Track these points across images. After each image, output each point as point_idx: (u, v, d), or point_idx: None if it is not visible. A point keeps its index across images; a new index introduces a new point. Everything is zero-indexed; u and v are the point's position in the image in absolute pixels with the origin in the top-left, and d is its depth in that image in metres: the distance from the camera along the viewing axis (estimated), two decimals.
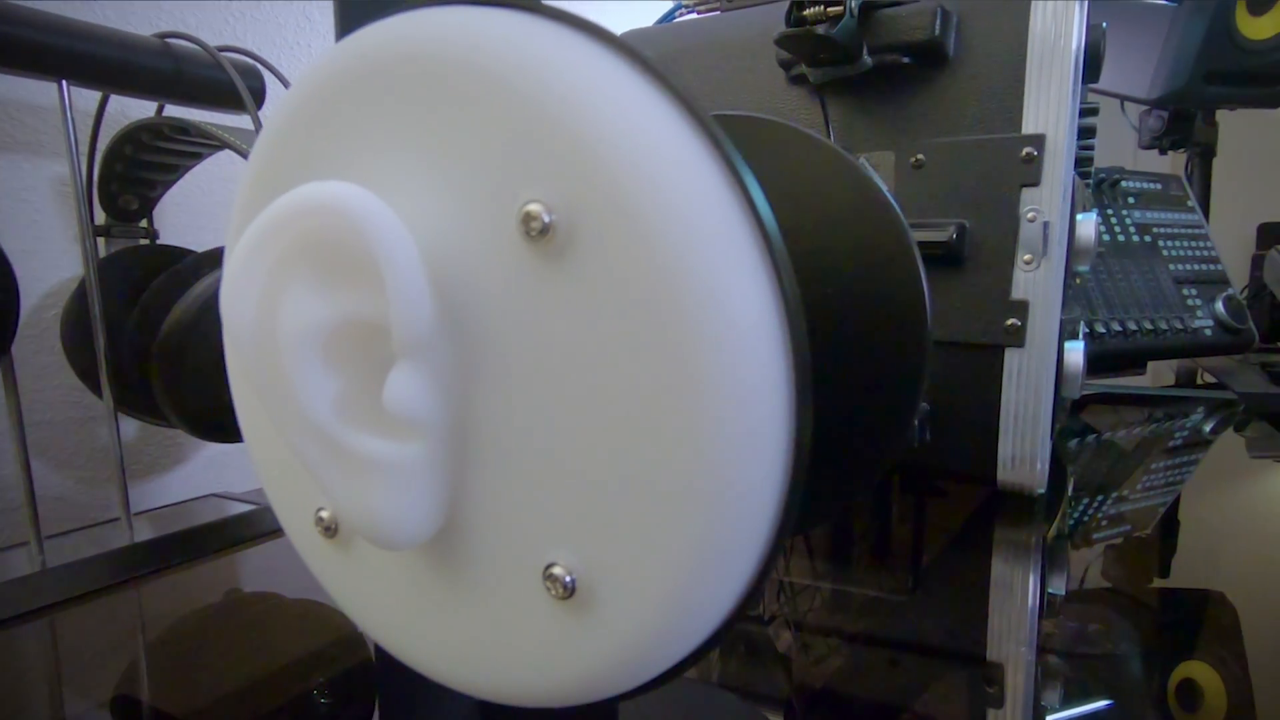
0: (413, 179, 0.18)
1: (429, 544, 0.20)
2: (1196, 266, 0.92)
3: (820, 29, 0.47)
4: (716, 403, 0.16)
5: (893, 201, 0.27)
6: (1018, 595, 0.41)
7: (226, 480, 0.71)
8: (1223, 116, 1.11)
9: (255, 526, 0.55)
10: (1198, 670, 0.31)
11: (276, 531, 0.55)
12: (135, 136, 0.56)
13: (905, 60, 0.52)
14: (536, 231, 0.16)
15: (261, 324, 0.18)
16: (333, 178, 0.18)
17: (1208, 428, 0.78)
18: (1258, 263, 1.19)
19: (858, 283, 0.26)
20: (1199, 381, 1.01)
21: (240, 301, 0.18)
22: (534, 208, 0.16)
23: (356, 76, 0.19)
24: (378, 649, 0.28)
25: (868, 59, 0.52)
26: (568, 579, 0.18)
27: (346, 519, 0.19)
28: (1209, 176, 1.11)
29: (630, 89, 0.17)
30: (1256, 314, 1.01)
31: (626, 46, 0.17)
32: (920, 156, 0.52)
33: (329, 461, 0.19)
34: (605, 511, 0.17)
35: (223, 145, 0.52)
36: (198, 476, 0.70)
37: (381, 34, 0.19)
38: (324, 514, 0.22)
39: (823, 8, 0.48)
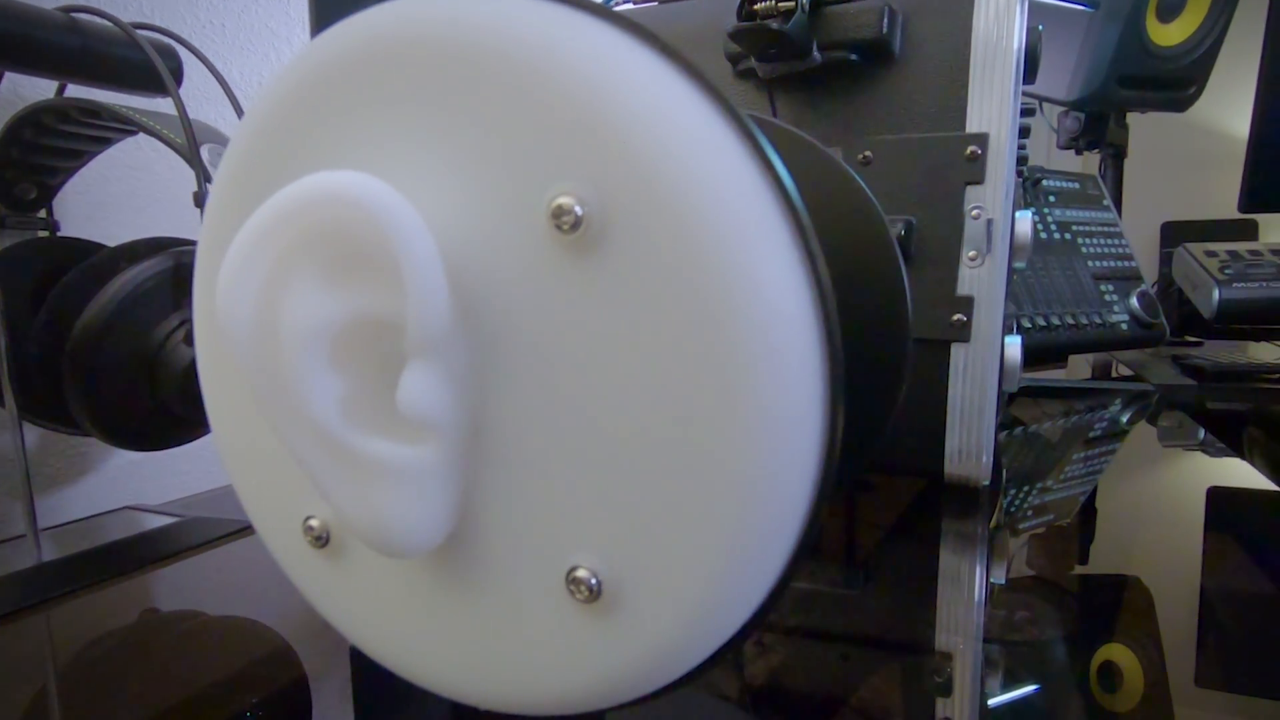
0: (427, 170, 0.18)
1: (439, 551, 0.20)
2: (1113, 263, 0.97)
3: (773, 24, 0.48)
4: (762, 393, 0.16)
5: (874, 199, 0.28)
6: (964, 586, 0.42)
7: (141, 492, 0.68)
8: (1133, 118, 1.17)
9: (176, 541, 0.53)
10: (1117, 652, 0.33)
11: (199, 546, 0.53)
12: (36, 119, 0.53)
13: (853, 57, 0.53)
14: (569, 225, 0.16)
15: (262, 322, 0.18)
16: (336, 169, 0.18)
17: (1124, 419, 0.83)
18: (1165, 259, 1.26)
19: (848, 278, 0.27)
20: (1114, 374, 1.07)
21: (239, 297, 0.17)
22: (565, 200, 0.16)
23: (361, 61, 0.18)
24: (355, 664, 0.27)
25: (817, 55, 0.53)
26: (593, 581, 0.18)
27: (352, 526, 0.19)
28: (1120, 176, 1.17)
29: (658, 76, 0.17)
30: (1166, 309, 1.08)
31: (650, 33, 0.17)
32: (868, 153, 0.53)
33: (334, 466, 0.18)
34: (633, 510, 0.17)
35: (140, 130, 0.49)
36: (108, 488, 0.66)
37: (389, 15, 0.18)
38: (314, 522, 0.21)
39: (774, 2, 0.49)
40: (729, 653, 0.19)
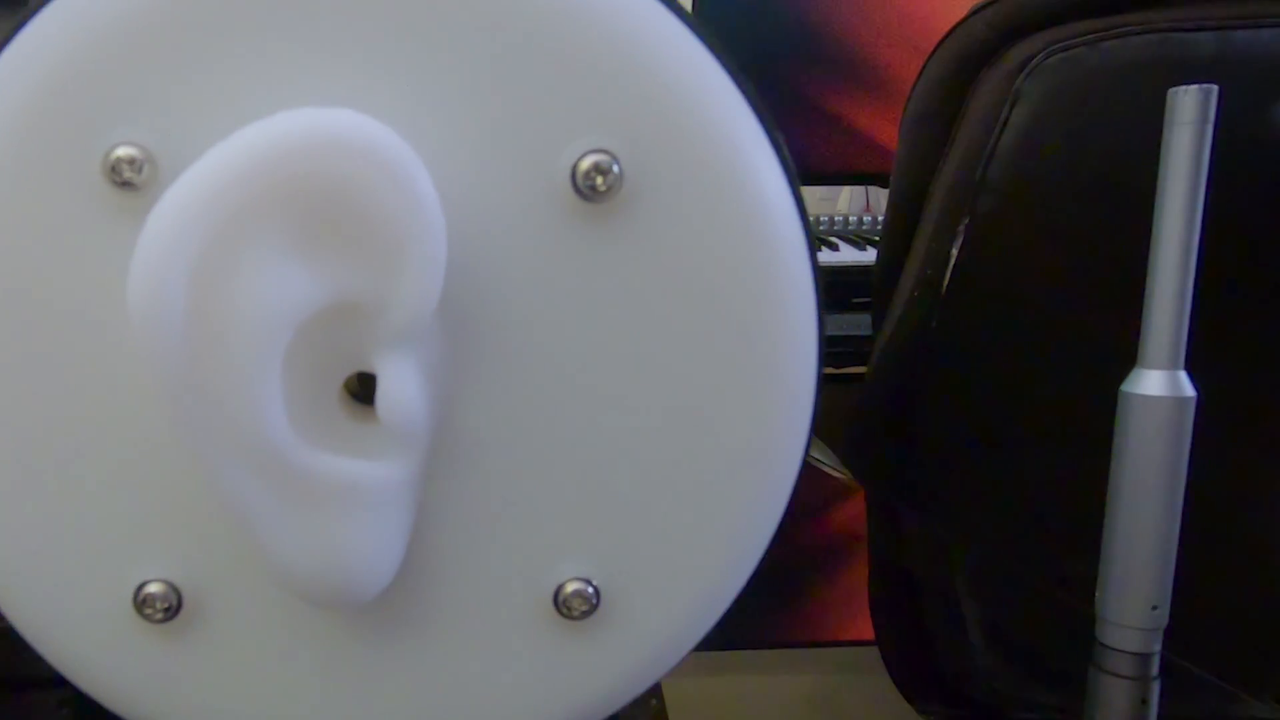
0: (414, 116, 0.15)
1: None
2: None
3: None
4: (788, 358, 0.16)
5: None
6: None
7: None
8: None
9: None
10: None
11: None
12: None
13: None
14: (604, 186, 0.15)
15: (201, 311, 0.13)
16: (263, 110, 0.14)
17: None
18: None
19: None
20: None
21: (167, 279, 0.13)
22: (599, 159, 0.15)
23: None
24: None
25: None
26: (589, 590, 0.17)
27: (291, 571, 0.15)
28: None
29: (678, 31, 0.16)
30: None
31: None
32: None
33: (277, 493, 0.15)
34: (637, 501, 0.16)
35: None
36: None
37: None
38: (153, 589, 0.16)
39: None
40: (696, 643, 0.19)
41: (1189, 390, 0.32)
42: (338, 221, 0.14)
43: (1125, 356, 0.34)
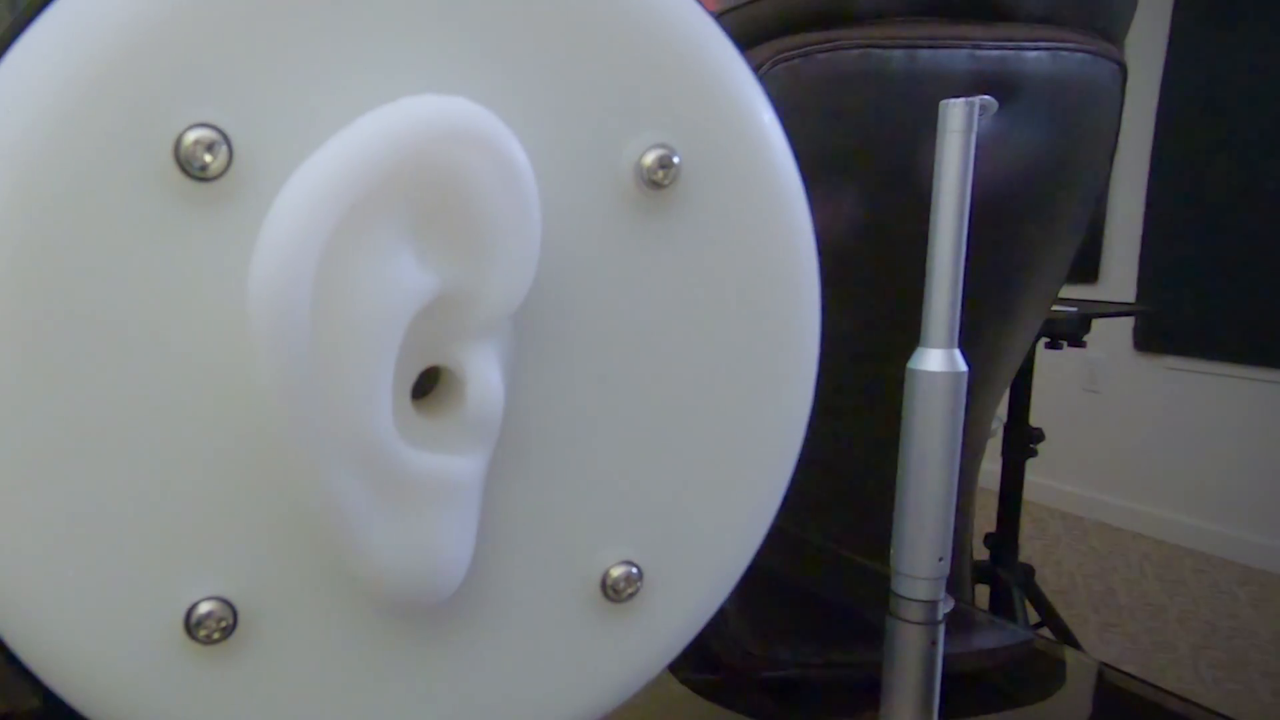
0: (494, 106, 0.15)
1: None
2: None
3: None
4: (808, 343, 0.19)
5: None
6: None
7: None
8: None
9: None
10: None
11: None
12: None
13: None
14: (666, 179, 0.16)
15: (324, 302, 0.13)
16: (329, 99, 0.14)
17: None
18: None
19: None
20: None
21: (298, 270, 0.12)
22: (662, 152, 0.16)
23: None
24: None
25: None
26: (633, 571, 0.18)
27: (383, 573, 0.15)
28: None
29: (715, 33, 0.17)
30: None
31: None
32: None
33: (372, 491, 0.14)
34: (674, 484, 0.18)
35: None
36: None
37: None
38: (206, 607, 0.15)
39: None
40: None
41: (963, 366, 0.39)
42: (445, 212, 0.14)
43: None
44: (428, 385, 0.16)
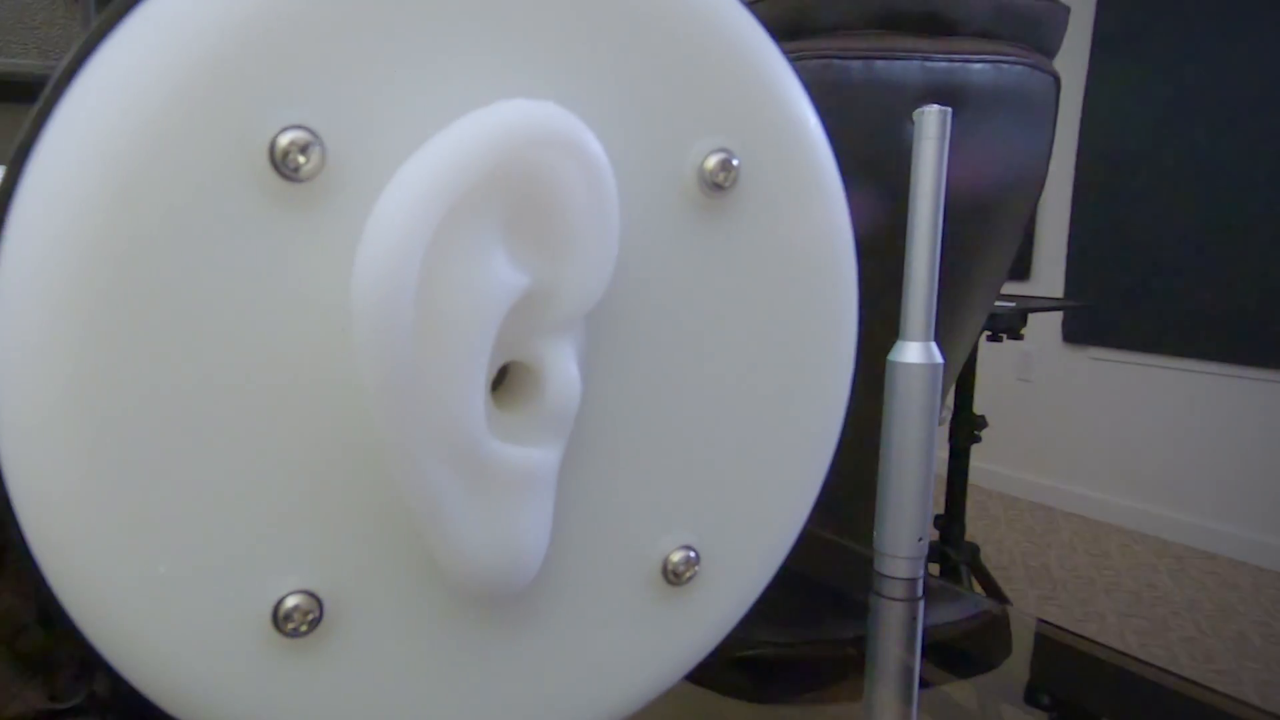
0: (572, 109, 0.16)
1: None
2: None
3: None
4: (849, 332, 0.20)
5: None
6: None
7: None
8: None
9: None
10: None
11: None
12: None
13: None
14: (727, 182, 0.17)
15: (426, 299, 0.13)
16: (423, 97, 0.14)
17: None
18: None
19: None
20: None
21: (401, 267, 0.13)
22: (724, 156, 0.17)
23: None
24: None
25: None
26: (692, 555, 0.19)
27: (470, 564, 0.15)
28: None
29: (766, 40, 0.18)
30: None
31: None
32: None
33: (463, 484, 0.15)
34: (728, 471, 0.19)
35: None
36: None
37: None
38: (293, 600, 0.15)
39: None
40: None
41: (939, 358, 0.40)
42: (533, 212, 0.15)
43: None
44: (496, 379, 0.17)
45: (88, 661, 0.15)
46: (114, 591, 0.15)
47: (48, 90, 0.14)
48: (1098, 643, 0.35)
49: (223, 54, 0.14)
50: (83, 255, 0.13)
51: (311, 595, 0.15)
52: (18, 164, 0.14)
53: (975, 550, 1.45)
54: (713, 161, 0.17)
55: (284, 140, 0.14)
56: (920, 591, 0.41)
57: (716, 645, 0.20)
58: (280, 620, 0.15)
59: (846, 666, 0.33)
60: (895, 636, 0.37)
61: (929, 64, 0.70)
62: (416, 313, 0.13)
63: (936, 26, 0.70)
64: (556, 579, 0.17)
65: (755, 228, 0.18)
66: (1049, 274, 2.75)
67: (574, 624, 0.18)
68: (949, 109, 0.39)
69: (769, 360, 0.18)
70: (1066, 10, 0.79)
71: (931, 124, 0.39)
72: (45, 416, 0.14)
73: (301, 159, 0.14)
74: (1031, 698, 0.32)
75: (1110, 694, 0.32)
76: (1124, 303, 2.53)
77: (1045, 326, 2.73)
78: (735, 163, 0.17)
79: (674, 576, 0.18)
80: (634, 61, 0.16)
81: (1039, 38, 0.77)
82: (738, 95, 0.17)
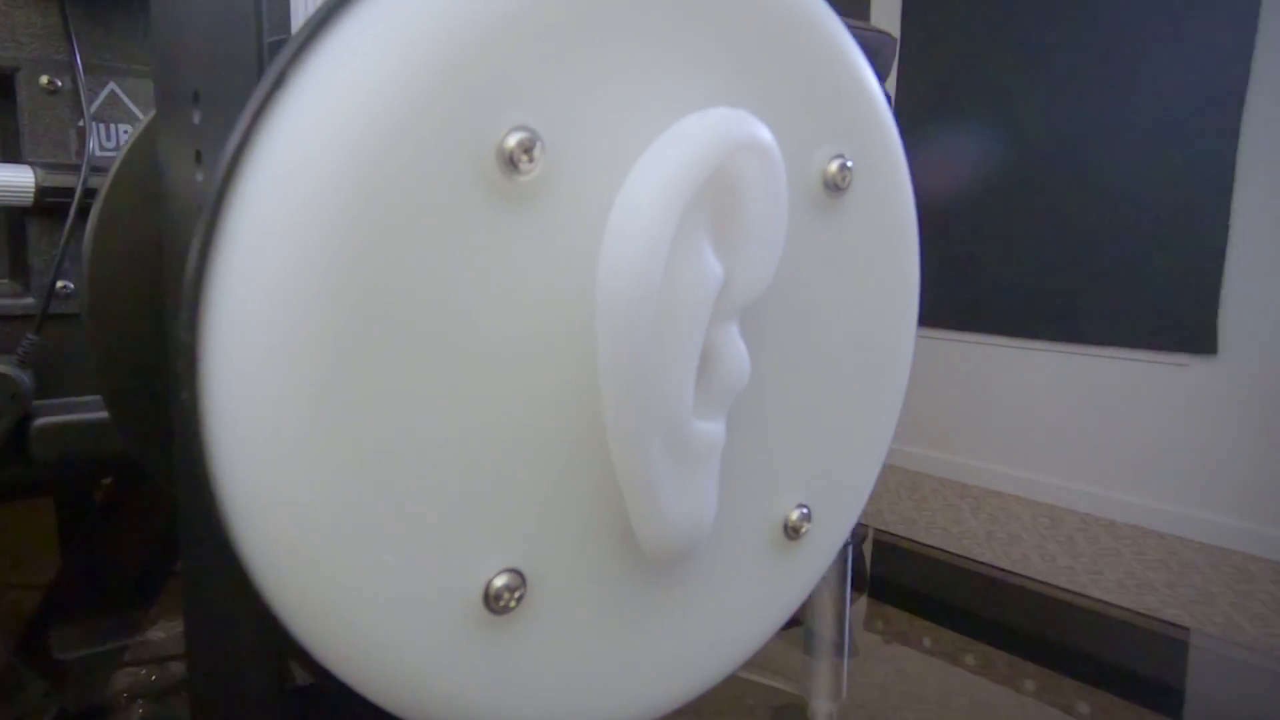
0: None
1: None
2: None
3: None
4: (914, 314, 0.22)
5: None
6: None
7: None
8: None
9: None
10: None
11: None
12: None
13: None
14: (845, 184, 0.19)
15: (665, 289, 0.15)
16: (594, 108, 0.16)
17: None
18: None
19: None
20: None
21: (653, 260, 0.15)
22: (843, 161, 0.19)
23: None
24: None
25: None
26: (805, 512, 0.21)
27: (666, 531, 0.17)
28: None
29: (857, 51, 0.20)
30: None
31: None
32: None
33: (671, 459, 0.17)
34: (832, 442, 0.21)
35: None
36: None
37: None
38: (501, 580, 0.16)
39: None
40: None
41: None
42: (730, 209, 0.16)
43: None
44: None
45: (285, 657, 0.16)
46: (340, 586, 0.15)
47: (263, 88, 0.15)
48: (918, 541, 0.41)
49: (458, 58, 0.15)
50: (333, 259, 0.14)
51: (517, 573, 0.16)
52: (234, 164, 0.15)
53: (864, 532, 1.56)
54: (834, 165, 0.19)
55: (511, 141, 0.15)
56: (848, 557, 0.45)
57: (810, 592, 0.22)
58: (491, 599, 0.16)
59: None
60: (829, 599, 0.41)
61: None
62: (663, 302, 0.15)
63: None
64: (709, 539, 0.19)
65: (860, 222, 0.20)
66: None
67: (717, 577, 0.20)
68: None
69: (866, 336, 0.21)
70: (895, 40, 0.85)
71: None
72: (293, 419, 0.14)
73: (525, 158, 0.15)
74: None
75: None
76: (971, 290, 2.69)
77: None
78: (850, 166, 0.19)
79: (792, 532, 0.20)
80: (780, 74, 0.18)
81: (873, 66, 0.83)
82: (848, 104, 0.20)
